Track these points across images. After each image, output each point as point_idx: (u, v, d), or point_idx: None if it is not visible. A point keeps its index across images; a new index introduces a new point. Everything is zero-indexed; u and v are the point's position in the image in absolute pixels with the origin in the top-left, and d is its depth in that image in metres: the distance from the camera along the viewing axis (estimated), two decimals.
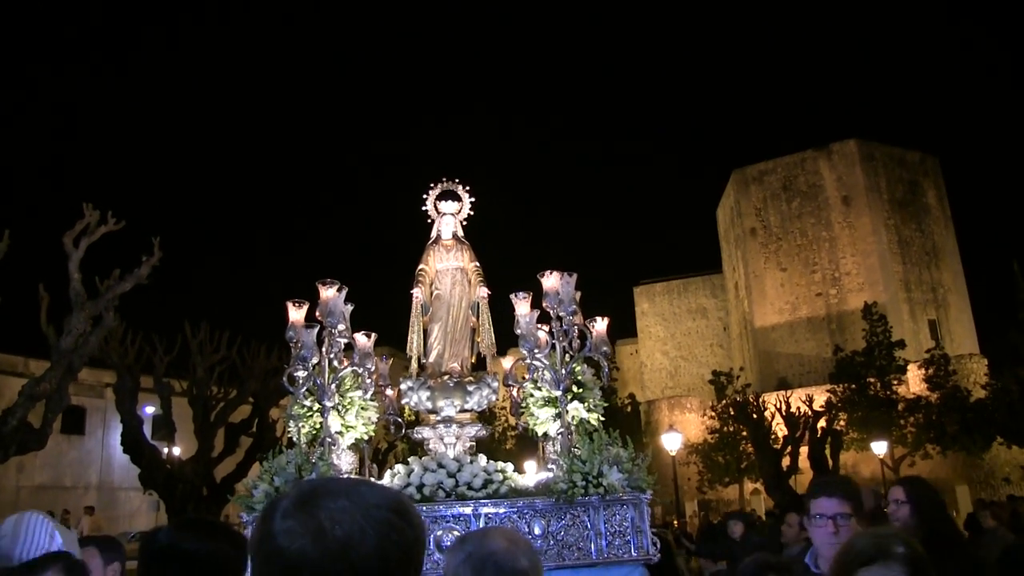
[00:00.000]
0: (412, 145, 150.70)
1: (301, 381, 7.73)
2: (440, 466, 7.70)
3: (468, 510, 7.14)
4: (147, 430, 22.39)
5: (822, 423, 29.94)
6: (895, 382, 37.07)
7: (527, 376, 8.43)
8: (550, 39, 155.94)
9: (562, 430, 7.80)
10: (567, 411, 7.88)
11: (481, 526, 7.04)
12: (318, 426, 7.77)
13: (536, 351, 7.90)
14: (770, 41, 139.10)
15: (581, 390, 8.20)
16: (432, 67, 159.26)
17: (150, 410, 25.12)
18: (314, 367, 7.70)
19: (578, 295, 8.10)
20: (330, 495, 1.35)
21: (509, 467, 8.00)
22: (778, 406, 31.11)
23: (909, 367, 40.11)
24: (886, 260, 54.45)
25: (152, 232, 15.44)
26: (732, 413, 36.19)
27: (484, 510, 7.14)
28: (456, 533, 7.01)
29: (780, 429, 30.84)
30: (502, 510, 7.16)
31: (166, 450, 22.48)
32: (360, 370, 8.06)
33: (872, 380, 36.74)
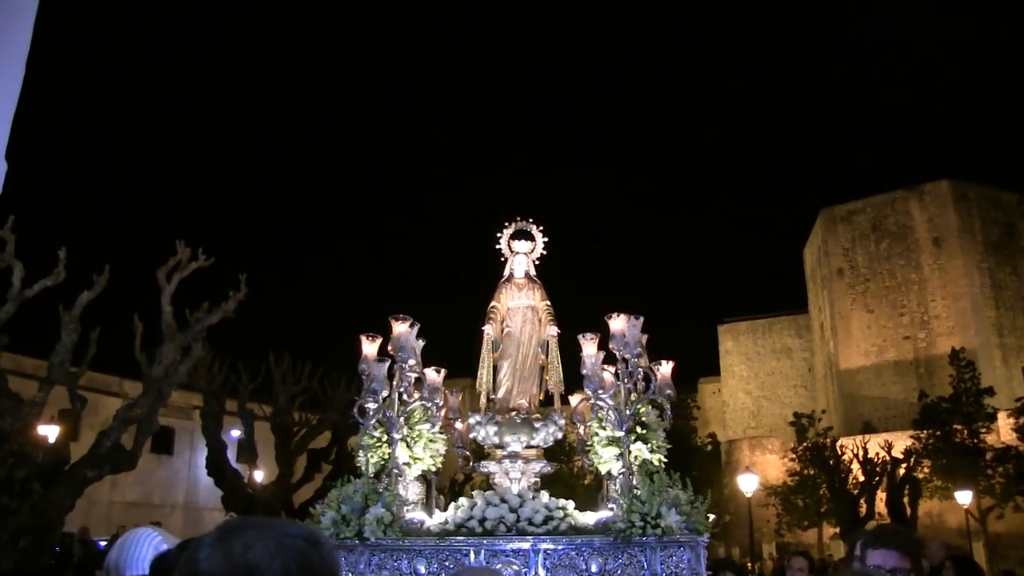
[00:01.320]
0: (492, 182, 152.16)
1: (371, 413, 8.03)
2: (502, 500, 7.88)
3: (527, 545, 7.29)
4: (231, 453, 23.15)
5: (902, 469, 29.19)
6: (983, 430, 35.80)
7: (592, 415, 8.59)
8: (635, 76, 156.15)
9: (624, 470, 7.92)
10: (630, 451, 8.00)
11: (540, 562, 7.21)
12: (386, 457, 8.05)
13: (601, 391, 8.06)
14: (861, 78, 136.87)
15: (645, 431, 8.32)
16: (516, 103, 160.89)
17: (235, 434, 25.85)
18: (384, 400, 7.99)
19: (645, 338, 8.25)
20: (249, 528, 1.50)
21: (571, 505, 8.14)
22: (856, 451, 30.43)
23: (999, 415, 38.69)
24: (978, 304, 52.90)
25: (239, 268, 16.26)
26: (810, 456, 35.53)
27: (543, 546, 7.28)
28: (515, 567, 7.19)
29: (861, 474, 30.18)
30: (560, 547, 7.29)
31: (249, 473, 23.21)
32: (429, 404, 8.32)
33: (958, 427, 35.59)
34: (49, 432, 16.71)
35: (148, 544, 3.06)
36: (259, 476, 23.30)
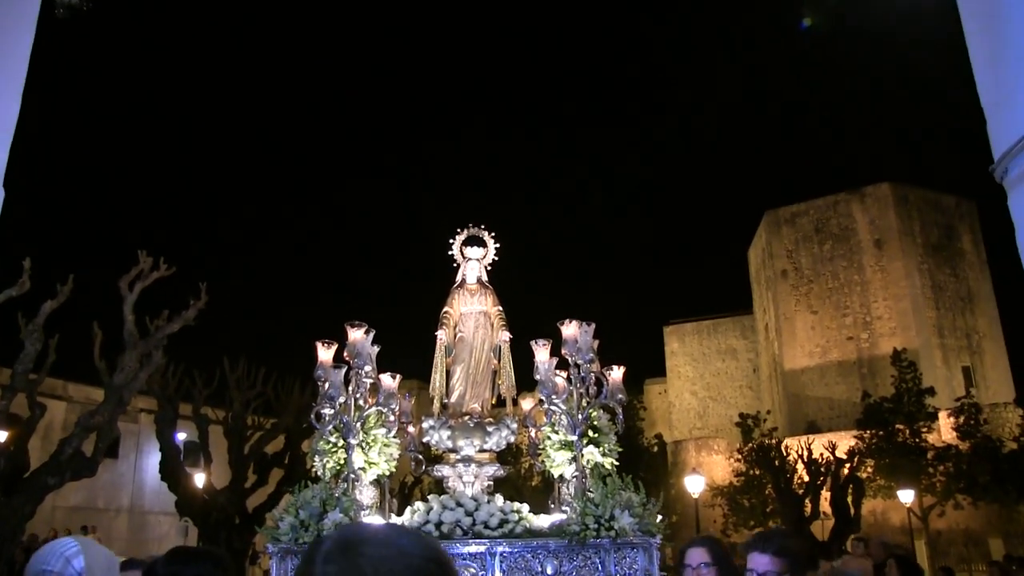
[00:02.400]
0: (440, 189, 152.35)
1: (327, 419, 8.08)
2: (458, 504, 7.99)
3: (483, 548, 7.40)
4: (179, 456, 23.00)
5: (846, 469, 29.75)
6: (924, 430, 36.52)
7: (545, 420, 8.73)
8: (581, 78, 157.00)
9: (577, 473, 8.07)
10: (582, 455, 8.15)
11: (496, 564, 7.32)
12: (342, 462, 8.10)
13: (554, 396, 8.20)
14: (803, 81, 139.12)
15: (597, 435, 8.48)
16: (465, 107, 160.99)
17: (182, 436, 25.64)
18: (341, 405, 8.05)
19: (596, 343, 8.40)
20: (372, 543, 1.40)
21: (525, 508, 8.26)
22: (800, 452, 30.97)
23: (940, 414, 39.48)
24: (919, 305, 54.05)
25: (199, 277, 16.39)
26: (755, 457, 36.03)
27: (499, 549, 7.39)
28: (471, 571, 7.29)
29: (805, 474, 30.70)
30: (516, 549, 7.41)
31: (200, 476, 23.07)
32: (385, 409, 8.39)
33: (901, 427, 36.30)
34: None
35: (58, 557, 2.93)
36: (201, 480, 23.09)
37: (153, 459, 35.43)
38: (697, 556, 3.86)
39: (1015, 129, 4.06)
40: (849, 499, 28.06)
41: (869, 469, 35.07)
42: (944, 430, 38.58)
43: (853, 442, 35.93)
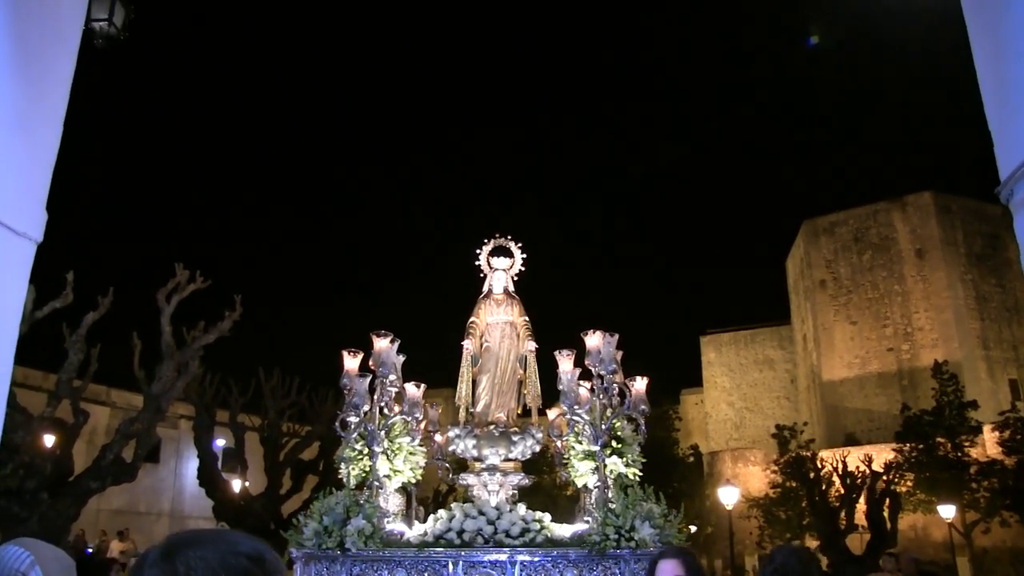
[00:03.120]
0: (469, 199, 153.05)
1: (353, 426, 8.22)
2: (480, 513, 8.07)
3: (504, 557, 7.48)
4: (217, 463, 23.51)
5: (882, 482, 29.34)
6: (967, 443, 35.79)
7: (569, 429, 8.79)
8: (617, 89, 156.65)
9: (599, 483, 8.12)
10: (605, 465, 8.20)
11: (516, 573, 7.39)
12: (368, 469, 8.23)
13: (576, 407, 8.27)
14: (844, 90, 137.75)
15: (620, 445, 8.53)
16: (494, 116, 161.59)
17: (220, 443, 26.13)
18: (366, 414, 8.19)
19: (619, 354, 8.46)
20: (193, 545, 1.47)
21: (547, 517, 8.33)
22: (835, 464, 30.62)
23: (984, 428, 38.56)
24: (962, 316, 53.19)
25: (233, 289, 16.86)
26: (790, 469, 35.64)
27: (520, 557, 7.47)
28: None
29: (841, 487, 30.30)
30: (536, 558, 7.48)
31: (236, 482, 23.55)
32: (409, 418, 8.52)
33: (941, 440, 35.67)
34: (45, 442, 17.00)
35: (11, 572, 2.79)
36: (237, 486, 23.48)
37: (192, 464, 35.99)
38: (670, 569, 3.74)
39: (1020, 152, 4.13)
40: (885, 513, 27.69)
41: (909, 483, 34.52)
42: (989, 444, 37.73)
43: (892, 455, 35.39)
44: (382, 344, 8.25)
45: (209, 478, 21.34)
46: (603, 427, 8.17)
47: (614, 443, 8.46)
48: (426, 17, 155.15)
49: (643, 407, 8.45)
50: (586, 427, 8.34)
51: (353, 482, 8.25)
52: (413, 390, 8.68)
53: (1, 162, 3.98)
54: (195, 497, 35.79)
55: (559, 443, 9.09)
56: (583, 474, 8.64)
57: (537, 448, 9.19)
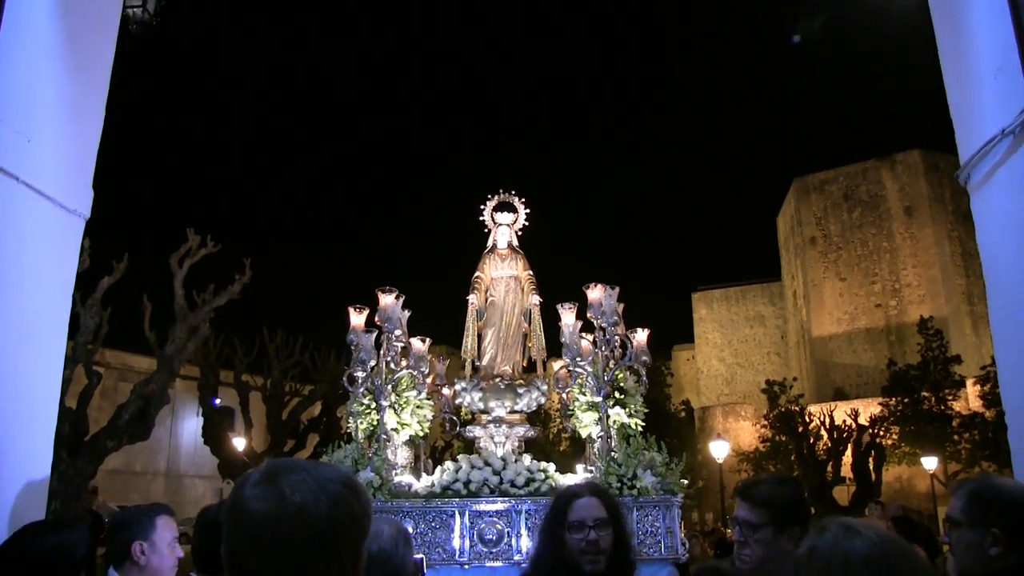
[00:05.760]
0: (472, 155, 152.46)
1: (360, 381, 8.34)
2: (486, 464, 8.23)
3: (508, 506, 7.65)
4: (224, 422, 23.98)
5: (868, 436, 29.88)
6: (950, 397, 36.46)
7: (572, 381, 8.93)
8: (614, 51, 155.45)
9: (602, 433, 8.27)
10: (608, 416, 8.35)
11: (522, 522, 7.58)
12: (375, 423, 8.35)
13: (579, 359, 8.41)
14: (832, 48, 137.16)
15: (623, 396, 8.68)
16: (489, 82, 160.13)
17: (218, 402, 26.37)
18: (372, 369, 8.29)
19: (621, 307, 8.57)
20: (292, 470, 1.59)
21: (551, 467, 8.48)
22: (823, 419, 31.08)
23: (967, 382, 39.31)
24: (949, 272, 53.63)
25: (242, 253, 16.99)
26: (779, 424, 36.16)
27: (524, 507, 7.64)
28: (498, 527, 7.57)
29: (828, 440, 30.83)
30: (541, 507, 7.61)
31: (239, 440, 23.88)
32: (415, 372, 8.63)
33: (926, 394, 36.27)
34: None
35: None
36: (242, 444, 23.72)
37: (188, 424, 36.18)
38: (591, 508, 3.00)
39: (976, 139, 4.36)
40: (870, 465, 28.21)
41: (894, 436, 35.11)
42: (971, 398, 38.36)
43: (879, 409, 35.93)
44: (387, 300, 8.32)
45: (213, 436, 21.85)
46: (605, 378, 8.30)
47: (617, 394, 8.61)
48: None
49: (644, 358, 8.58)
50: (589, 379, 8.47)
51: (361, 436, 8.37)
52: (419, 344, 8.79)
53: (54, 146, 4.12)
54: (191, 456, 36.13)
55: (565, 395, 9.22)
56: (587, 425, 8.79)
57: (543, 400, 9.32)
